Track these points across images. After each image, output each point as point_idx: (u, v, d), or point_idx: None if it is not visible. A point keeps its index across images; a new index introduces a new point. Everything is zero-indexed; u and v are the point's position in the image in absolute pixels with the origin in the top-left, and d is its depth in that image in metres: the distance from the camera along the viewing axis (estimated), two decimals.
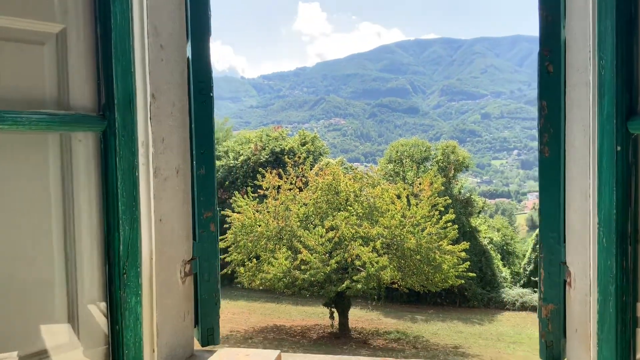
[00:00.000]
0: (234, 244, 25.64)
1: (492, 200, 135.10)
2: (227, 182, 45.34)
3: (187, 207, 2.85)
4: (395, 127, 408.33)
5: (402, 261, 23.52)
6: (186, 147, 2.87)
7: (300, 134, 48.95)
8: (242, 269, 24.89)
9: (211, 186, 2.91)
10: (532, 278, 42.88)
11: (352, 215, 23.95)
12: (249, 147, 46.38)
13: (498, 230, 55.62)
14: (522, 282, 45.92)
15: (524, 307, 39.26)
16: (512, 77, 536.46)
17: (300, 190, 26.44)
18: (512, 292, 41.03)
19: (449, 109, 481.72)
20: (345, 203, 25.07)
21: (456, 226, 25.27)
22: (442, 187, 27.55)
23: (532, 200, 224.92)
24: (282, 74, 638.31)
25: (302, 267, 22.22)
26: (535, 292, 40.92)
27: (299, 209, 24.86)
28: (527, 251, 50.57)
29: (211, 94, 3.01)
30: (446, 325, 30.18)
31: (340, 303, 25.36)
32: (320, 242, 22.65)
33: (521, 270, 49.21)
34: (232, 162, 45.97)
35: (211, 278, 2.93)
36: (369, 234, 23.24)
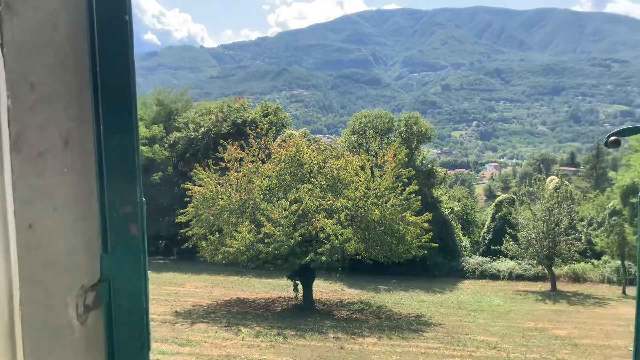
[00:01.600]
0: (195, 217, 25.16)
1: (452, 171, 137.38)
2: (187, 154, 44.42)
3: (87, 199, 1.69)
4: (357, 99, 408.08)
5: (366, 233, 23.51)
6: (83, 97, 1.64)
7: (263, 105, 48.18)
8: (204, 243, 24.46)
9: (131, 165, 1.73)
10: (491, 247, 43.77)
11: (316, 188, 23.73)
12: (210, 119, 45.40)
13: (458, 201, 56.48)
14: (481, 250, 46.89)
15: (483, 275, 40.16)
16: (472, 49, 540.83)
17: (263, 162, 25.99)
18: (472, 261, 41.89)
19: (411, 81, 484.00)
20: (309, 175, 24.78)
21: (419, 197, 25.37)
22: (406, 159, 27.52)
23: (490, 170, 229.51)
24: (243, 43, 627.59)
25: (266, 240, 21.95)
26: (494, 259, 41.87)
27: (261, 182, 24.47)
28: (486, 220, 51.56)
29: (126, 17, 1.60)
30: (408, 294, 30.57)
31: (305, 275, 25.28)
32: (284, 215, 22.38)
33: (480, 239, 50.22)
34: (193, 133, 44.99)
35: (134, 308, 1.72)
36: (333, 206, 23.09)
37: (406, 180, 25.44)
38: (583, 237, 36.42)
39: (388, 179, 24.19)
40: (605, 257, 39.78)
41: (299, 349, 17.13)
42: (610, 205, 45.71)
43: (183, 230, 27.08)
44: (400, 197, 24.17)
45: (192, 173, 27.40)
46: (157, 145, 44.62)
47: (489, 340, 19.29)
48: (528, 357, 16.97)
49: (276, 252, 21.89)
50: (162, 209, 45.83)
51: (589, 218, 46.97)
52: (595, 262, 40.93)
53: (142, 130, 44.73)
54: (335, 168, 24.40)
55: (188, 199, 25.97)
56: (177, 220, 27.41)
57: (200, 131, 44.61)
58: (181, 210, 26.52)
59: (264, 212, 22.85)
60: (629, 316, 25.13)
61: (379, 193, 23.58)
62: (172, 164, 46.08)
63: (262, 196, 23.98)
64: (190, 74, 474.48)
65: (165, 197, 45.10)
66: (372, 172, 24.72)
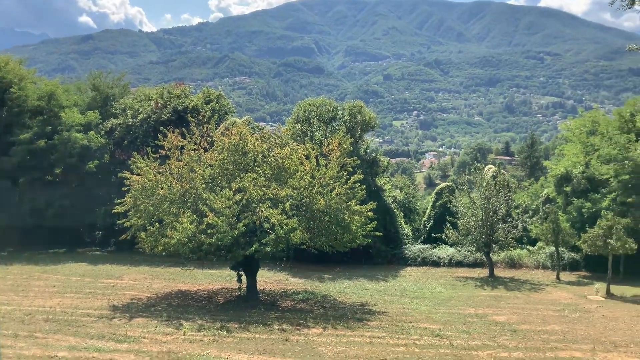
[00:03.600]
0: (133, 207, 24.21)
1: (393, 160, 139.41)
2: (125, 142, 42.80)
3: None
4: (300, 87, 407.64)
5: (312, 222, 23.28)
6: None
7: (204, 91, 46.98)
8: (143, 234, 23.56)
9: None
10: (432, 234, 44.59)
11: (261, 177, 23.26)
12: (149, 105, 43.86)
13: (401, 189, 57.27)
14: (422, 238, 47.74)
15: (424, 262, 40.88)
16: (412, 40, 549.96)
17: (206, 150, 25.27)
18: (414, 249, 42.55)
19: (353, 70, 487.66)
20: (253, 164, 24.28)
21: (364, 186, 25.36)
22: (351, 148, 27.43)
23: (430, 159, 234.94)
24: (183, 28, 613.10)
25: (209, 231, 21.34)
26: (434, 247, 42.68)
27: (204, 171, 23.77)
28: (427, 208, 52.51)
29: None
30: (352, 283, 30.67)
31: (249, 266, 24.85)
32: (228, 205, 21.81)
33: (422, 227, 51.14)
34: (131, 120, 43.35)
35: None
36: (278, 196, 22.71)
37: (351, 170, 25.37)
38: (519, 225, 37.60)
39: (333, 168, 24.02)
40: (540, 244, 41.28)
41: (243, 343, 16.75)
42: (544, 193, 47.45)
43: (121, 221, 26.03)
44: (345, 186, 24.06)
45: (130, 161, 26.35)
46: (92, 132, 42.76)
47: (432, 328, 19.53)
48: (470, 343, 17.25)
49: (219, 242, 21.32)
50: (98, 198, 44.12)
51: (524, 206, 48.68)
52: (531, 248, 42.44)
53: (77, 117, 42.80)
54: (280, 157, 24.00)
55: (126, 189, 24.95)
56: (114, 211, 26.32)
57: (138, 118, 43.03)
58: (119, 200, 25.50)
59: (207, 201, 22.21)
60: (564, 301, 26.19)
61: (324, 182, 23.36)
62: (109, 152, 44.34)
63: (204, 185, 23.30)
64: (128, 59, 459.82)
65: (102, 186, 43.39)
66: (317, 161, 24.47)
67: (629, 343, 17.53)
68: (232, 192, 22.30)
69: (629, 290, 29.21)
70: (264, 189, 22.71)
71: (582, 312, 23.41)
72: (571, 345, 17.12)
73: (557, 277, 34.96)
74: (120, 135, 43.34)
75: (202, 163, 24.32)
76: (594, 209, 36.49)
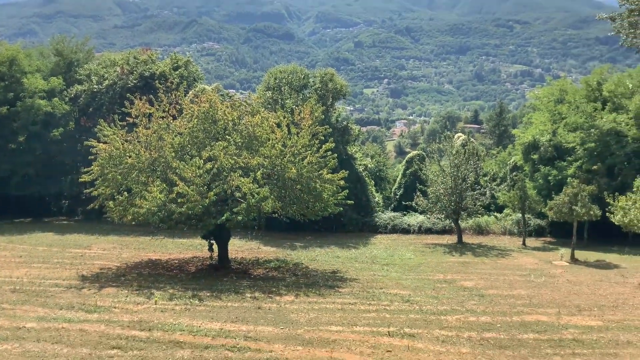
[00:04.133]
0: (101, 176, 23.72)
1: (364, 128, 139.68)
2: (90, 109, 41.73)
3: None
4: (270, 54, 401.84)
5: (283, 191, 23.20)
6: None
7: (172, 57, 45.85)
8: (111, 203, 23.18)
9: None
10: (402, 202, 45.04)
11: (231, 145, 22.97)
12: (115, 71, 42.66)
13: (371, 157, 57.52)
14: (392, 206, 48.23)
15: (394, 229, 41.38)
16: (384, 7, 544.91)
17: (174, 118, 24.78)
18: (384, 216, 42.96)
19: (324, 37, 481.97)
20: (224, 132, 23.93)
21: (335, 155, 25.31)
22: (322, 116, 27.25)
23: (400, 127, 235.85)
24: None
25: (179, 200, 21.07)
26: (404, 214, 43.17)
27: (173, 139, 23.33)
28: (397, 176, 52.93)
29: None
30: (324, 251, 30.89)
31: (220, 234, 24.74)
32: (198, 174, 21.52)
33: (392, 194, 51.60)
34: (96, 86, 42.17)
35: None
36: (249, 165, 22.50)
37: (322, 138, 25.24)
38: (487, 192, 38.20)
39: (305, 137, 23.85)
40: (507, 211, 42.11)
41: (215, 311, 16.75)
42: (511, 161, 48.23)
43: (88, 190, 25.54)
44: (317, 155, 23.98)
45: (96, 129, 25.73)
46: (56, 99, 41.48)
47: (402, 294, 19.83)
48: (439, 308, 17.60)
49: (190, 212, 21.10)
50: (64, 167, 43.16)
51: (492, 173, 49.41)
52: (498, 215, 43.28)
53: (40, 83, 41.43)
54: (251, 125, 23.69)
55: (93, 157, 24.40)
56: (81, 180, 25.74)
57: (104, 84, 41.89)
58: (85, 169, 24.93)
59: (177, 170, 21.87)
60: (530, 266, 26.87)
61: (295, 151, 23.22)
62: (74, 119, 43.20)
63: (174, 154, 22.90)
64: (92, 23, 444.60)
65: (67, 155, 42.36)
66: (289, 130, 24.25)
67: (592, 307, 18.13)
68: (202, 160, 21.98)
69: (592, 256, 30.11)
70: (235, 157, 22.46)
71: (548, 277, 24.08)
72: (537, 310, 17.62)
73: (523, 243, 35.80)
74: (85, 102, 42.20)
75: (171, 131, 23.86)
76: (560, 177, 37.26)
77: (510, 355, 12.75)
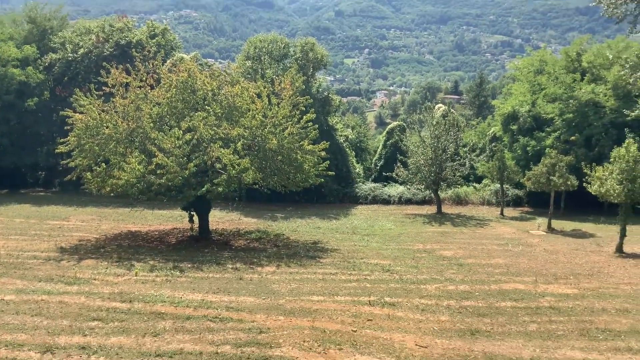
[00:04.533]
0: (77, 147, 23.30)
1: (345, 99, 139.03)
2: (66, 78, 40.80)
3: None
4: (250, 22, 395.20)
5: (264, 162, 23.07)
6: None
7: (149, 25, 44.81)
8: (89, 175, 22.85)
9: None
10: (382, 173, 45.20)
11: (211, 116, 22.66)
12: (90, 39, 41.62)
13: (352, 128, 57.40)
14: (373, 177, 48.41)
15: (375, 200, 41.61)
16: None
17: (152, 88, 24.32)
18: (365, 187, 43.13)
19: (304, 5, 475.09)
20: (203, 102, 23.59)
21: (316, 126, 25.16)
22: (303, 86, 26.99)
23: (381, 98, 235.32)
24: None
25: (158, 171, 20.84)
26: (385, 185, 43.37)
27: (151, 109, 22.94)
28: (377, 147, 53.01)
29: None
30: (305, 221, 30.97)
31: (200, 206, 24.60)
32: (177, 145, 21.26)
33: (373, 165, 51.74)
34: (71, 55, 41.15)
35: None
36: (230, 135, 22.27)
37: (303, 109, 25.04)
38: (467, 163, 38.54)
39: (285, 107, 23.63)
40: (485, 181, 42.59)
41: (197, 282, 16.74)
42: (491, 132, 48.54)
43: (65, 161, 25.14)
44: (298, 126, 23.81)
45: (72, 99, 25.16)
46: (30, 68, 40.40)
47: (382, 264, 20.03)
48: (419, 278, 17.82)
49: (170, 183, 20.90)
50: (40, 137, 42.37)
51: (472, 144, 49.78)
52: (477, 185, 43.75)
53: (13, 51, 40.25)
54: (231, 95, 23.37)
55: (69, 127, 23.93)
56: (57, 151, 25.23)
57: (79, 53, 40.89)
58: (62, 140, 24.47)
59: (155, 141, 21.57)
60: (508, 236, 27.28)
61: (276, 121, 23.02)
62: (49, 89, 42.25)
63: (152, 124, 22.54)
64: None
65: (43, 125, 41.52)
66: (269, 100, 24.00)
67: (568, 275, 18.53)
68: (181, 131, 21.69)
69: (568, 225, 30.67)
70: (214, 128, 22.20)
71: (525, 246, 24.50)
72: (514, 278, 17.95)
73: (501, 213, 36.30)
74: (60, 71, 41.22)
75: (148, 101, 23.44)
76: (538, 147, 37.65)
77: (488, 323, 13.00)
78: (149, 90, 23.97)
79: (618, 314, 13.83)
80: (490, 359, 10.55)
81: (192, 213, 25.00)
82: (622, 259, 21.54)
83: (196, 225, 25.26)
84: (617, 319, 13.38)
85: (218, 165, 21.90)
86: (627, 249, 23.09)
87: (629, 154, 22.10)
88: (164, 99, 23.14)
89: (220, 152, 21.33)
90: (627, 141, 22.72)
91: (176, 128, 21.94)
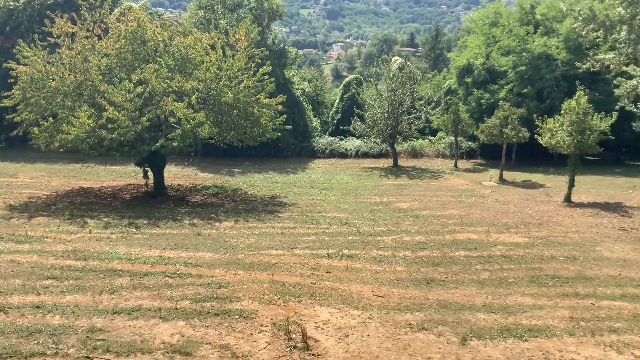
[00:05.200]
0: (23, 101, 22.29)
1: (301, 51, 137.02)
2: (7, 28, 38.56)
3: None
4: None
5: (220, 116, 22.62)
6: None
7: None
8: (36, 130, 21.94)
9: None
10: (339, 127, 45.19)
11: (163, 68, 21.91)
12: None
13: (309, 82, 56.83)
14: (330, 130, 48.38)
15: (332, 154, 41.72)
16: None
17: (100, 38, 23.26)
18: (322, 141, 43.12)
19: None
20: (154, 54, 22.75)
21: (273, 79, 24.74)
22: (258, 37, 26.33)
23: (337, 50, 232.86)
24: None
25: (110, 126, 20.17)
26: (342, 139, 43.45)
27: (99, 61, 21.99)
28: (334, 101, 52.79)
29: None
30: (262, 176, 30.83)
31: (155, 161, 24.10)
32: (129, 98, 20.56)
33: (330, 119, 51.62)
34: (12, 3, 38.78)
35: None
36: (183, 89, 21.65)
37: (259, 61, 24.54)
38: (422, 116, 38.85)
39: (241, 59, 23.08)
40: (440, 134, 43.20)
41: (154, 239, 16.54)
42: (446, 84, 48.94)
43: (10, 116, 24.01)
44: (254, 79, 23.36)
45: (14, 50, 23.83)
46: None
47: (340, 217, 20.23)
48: (376, 230, 18.11)
49: (122, 138, 20.30)
50: None
51: (427, 97, 50.07)
52: (432, 138, 44.36)
53: None
54: (183, 46, 22.60)
55: (12, 80, 22.79)
56: (1, 105, 24.06)
57: (21, 1, 38.58)
58: (6, 93, 23.34)
59: (105, 94, 20.79)
60: (461, 187, 27.90)
61: (231, 74, 22.48)
62: None
63: (101, 77, 21.66)
64: None
65: None
66: (224, 52, 23.35)
67: (518, 224, 19.17)
68: (132, 84, 20.94)
69: (519, 176, 31.57)
70: (167, 81, 21.51)
71: (478, 197, 25.14)
72: (467, 228, 18.45)
73: (455, 165, 37.02)
74: (1, 20, 38.87)
75: (96, 52, 22.44)
76: (492, 100, 38.24)
77: (442, 272, 13.38)
78: (97, 41, 22.93)
79: (566, 261, 14.45)
80: (444, 307, 10.90)
81: (146, 169, 24.49)
82: (570, 208, 22.41)
83: (151, 181, 24.80)
84: (565, 266, 13.99)
85: (172, 120, 21.35)
86: (574, 198, 24.00)
87: (579, 106, 22.68)
88: (112, 50, 22.19)
89: (174, 105, 20.77)
90: (577, 93, 23.27)
91: (127, 81, 21.17)
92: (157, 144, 20.75)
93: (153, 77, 21.16)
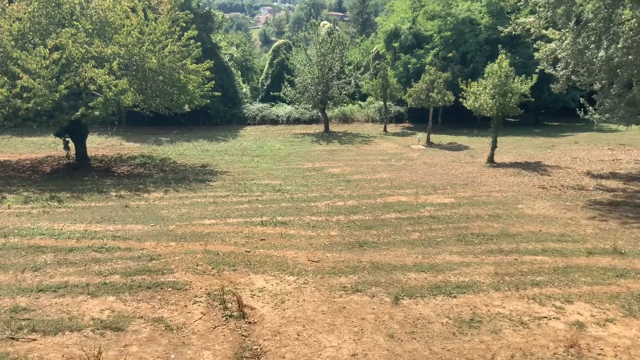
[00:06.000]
0: None
1: (227, 15, 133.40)
2: None
3: None
4: None
5: (144, 83, 21.74)
6: None
7: None
8: None
9: None
10: (270, 92, 44.68)
11: (81, 32, 20.69)
12: None
13: (237, 47, 55.58)
14: (260, 97, 47.79)
15: (263, 120, 41.33)
16: None
17: (10, 1, 21.64)
18: (253, 108, 42.57)
19: None
20: (71, 17, 21.43)
21: (199, 44, 23.97)
22: (182, 0, 25.33)
23: (265, 14, 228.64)
24: None
25: (25, 94, 18.97)
26: (273, 105, 43.04)
27: (11, 25, 20.47)
28: (264, 66, 52.03)
29: None
30: (192, 145, 30.15)
31: (76, 131, 23.00)
32: (44, 65, 19.35)
33: (259, 85, 50.93)
34: None
35: None
36: (103, 54, 20.59)
37: (184, 25, 23.66)
38: (352, 81, 39.04)
39: (164, 23, 22.15)
40: (370, 99, 43.62)
41: (78, 212, 15.86)
42: (374, 49, 49.23)
43: None
44: (179, 43, 22.55)
45: None
46: None
47: (273, 184, 20.16)
48: (309, 195, 18.19)
49: (39, 107, 19.17)
50: None
51: (356, 62, 50.33)
52: (362, 103, 44.75)
53: None
54: (102, 9, 21.40)
55: None
56: None
57: None
58: None
59: (18, 61, 19.45)
60: (391, 151, 28.42)
61: (154, 39, 21.58)
62: None
63: (13, 43, 20.20)
64: None
65: None
66: (146, 15, 22.32)
67: (445, 185, 19.80)
68: (47, 50, 19.69)
69: (445, 139, 32.51)
70: (85, 46, 20.36)
71: (407, 160, 25.71)
72: (398, 191, 18.87)
73: (385, 130, 37.62)
74: None
75: (7, 16, 20.87)
76: (418, 65, 38.87)
77: (375, 234, 13.65)
78: (7, 4, 21.31)
79: (490, 219, 15.09)
80: (377, 268, 11.15)
81: (67, 139, 23.35)
82: (493, 169, 23.35)
83: (72, 152, 23.70)
84: (490, 224, 14.61)
85: (92, 87, 20.31)
86: (497, 159, 25.02)
87: (501, 70, 23.45)
88: (24, 13, 20.69)
89: (94, 72, 19.74)
90: (499, 57, 24.01)
91: (41, 46, 19.86)
92: (78, 113, 19.74)
93: (70, 43, 19.96)
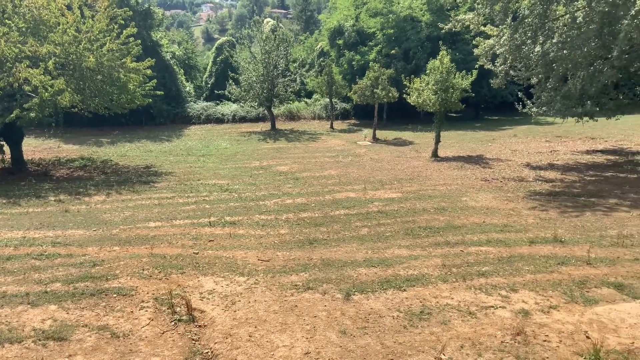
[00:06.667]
0: None
1: (168, 12, 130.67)
2: None
3: None
4: None
5: (82, 83, 20.98)
6: None
7: None
8: None
9: None
10: (214, 91, 44.09)
11: (13, 31, 19.74)
12: None
13: (179, 44, 54.53)
14: (205, 95, 47.07)
15: (208, 119, 40.74)
16: None
17: None
18: (197, 106, 41.89)
19: None
20: (2, 15, 20.41)
21: (139, 41, 23.34)
22: None
23: (207, 12, 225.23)
24: None
25: None
26: (218, 104, 42.48)
27: None
28: (207, 64, 51.28)
29: None
30: (134, 145, 29.37)
31: (10, 134, 21.99)
32: None
33: (203, 84, 50.15)
34: None
35: None
36: (38, 53, 19.72)
37: (122, 22, 22.99)
38: (297, 78, 38.99)
39: (101, 20, 21.45)
40: (316, 96, 43.73)
41: (15, 218, 15.15)
42: (318, 47, 49.35)
43: None
44: (118, 41, 21.88)
45: None
46: None
47: (220, 183, 19.87)
48: (257, 194, 18.04)
49: None
50: None
51: (301, 60, 50.29)
52: (308, 101, 44.78)
53: None
54: (35, 7, 20.46)
55: None
56: None
57: None
58: None
59: None
60: (338, 148, 28.56)
61: (92, 37, 20.86)
62: None
63: None
64: None
65: None
66: (82, 12, 21.54)
67: (392, 180, 20.05)
68: None
69: (391, 134, 32.96)
70: (19, 45, 19.46)
71: (354, 156, 25.90)
72: (346, 187, 18.98)
73: (332, 126, 37.79)
74: None
75: None
76: (362, 61, 39.24)
77: (324, 231, 13.67)
78: None
79: (436, 212, 15.39)
80: (328, 265, 11.17)
81: (1, 143, 22.28)
82: (437, 163, 23.83)
83: (8, 156, 22.64)
84: (436, 217, 14.89)
85: (27, 88, 19.45)
86: (441, 153, 25.55)
87: (443, 66, 23.94)
88: None
89: (29, 72, 18.89)
90: (440, 53, 24.50)
91: None
92: (12, 115, 18.85)
93: (2, 42, 19.02)
